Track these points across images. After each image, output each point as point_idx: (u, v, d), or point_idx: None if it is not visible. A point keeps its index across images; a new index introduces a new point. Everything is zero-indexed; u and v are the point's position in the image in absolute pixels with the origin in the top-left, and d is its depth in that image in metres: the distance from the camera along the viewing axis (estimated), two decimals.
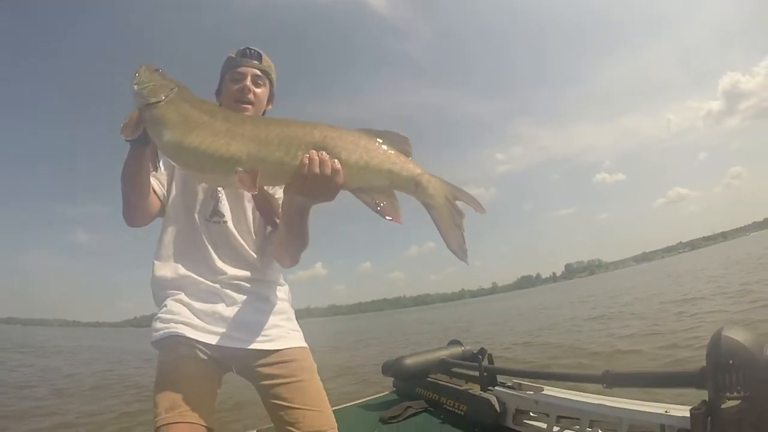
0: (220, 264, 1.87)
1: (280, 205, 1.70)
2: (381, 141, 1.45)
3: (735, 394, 1.42)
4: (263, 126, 1.48)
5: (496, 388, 2.64)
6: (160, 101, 1.49)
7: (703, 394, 1.51)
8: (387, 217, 1.41)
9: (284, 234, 1.70)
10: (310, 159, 1.38)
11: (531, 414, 2.43)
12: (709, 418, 1.47)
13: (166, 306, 1.82)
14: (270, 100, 2.10)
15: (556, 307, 25.12)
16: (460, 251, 1.45)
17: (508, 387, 2.62)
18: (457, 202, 1.44)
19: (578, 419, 2.09)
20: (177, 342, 1.74)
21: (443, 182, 1.44)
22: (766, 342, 1.44)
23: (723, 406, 1.45)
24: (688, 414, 1.55)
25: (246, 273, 1.89)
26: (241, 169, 1.41)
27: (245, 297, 1.86)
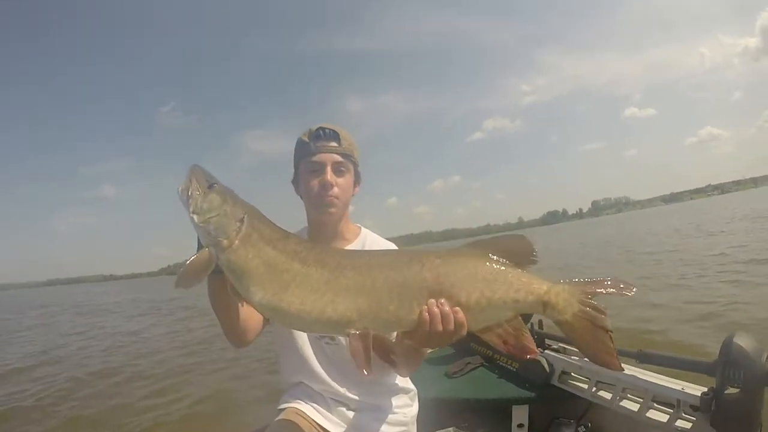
0: (334, 384, 1.85)
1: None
2: (498, 258, 1.32)
3: (736, 385, 1.95)
4: (366, 270, 1.34)
5: (545, 351, 3.07)
6: (233, 243, 1.34)
7: (712, 381, 2.04)
8: (521, 356, 1.31)
9: (399, 364, 1.57)
10: (431, 315, 1.26)
11: (573, 375, 2.91)
12: (714, 400, 1.98)
13: (297, 388, 1.92)
14: (356, 182, 1.95)
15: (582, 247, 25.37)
16: (610, 362, 1.28)
17: (554, 350, 3.05)
18: (596, 300, 1.28)
19: (613, 385, 2.56)
20: (298, 414, 1.84)
21: (573, 288, 1.28)
22: (764, 350, 1.94)
23: (726, 392, 1.98)
24: (698, 394, 2.08)
25: (361, 390, 1.87)
26: (353, 332, 1.28)
27: (360, 409, 1.86)
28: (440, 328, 1.24)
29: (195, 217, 1.35)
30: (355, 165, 1.92)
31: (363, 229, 2.05)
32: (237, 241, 1.33)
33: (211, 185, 1.40)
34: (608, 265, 15.34)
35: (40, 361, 10.66)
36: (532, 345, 1.29)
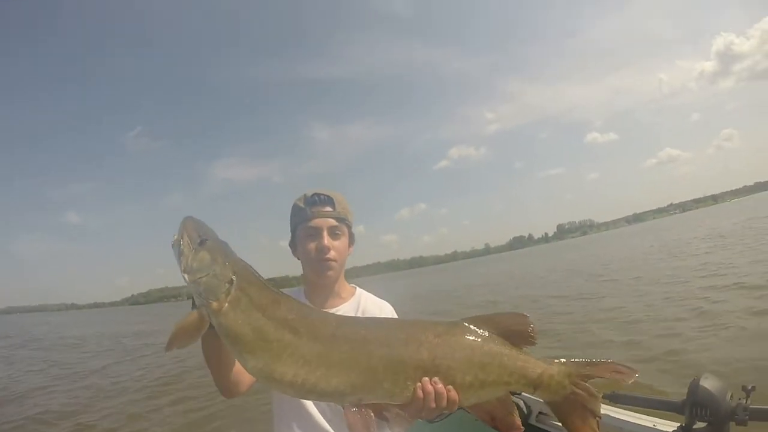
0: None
1: None
2: (495, 338, 1.34)
3: (703, 422, 2.09)
4: (361, 345, 1.33)
5: (522, 393, 3.20)
6: (223, 305, 1.33)
7: (681, 418, 2.18)
8: (507, 431, 1.33)
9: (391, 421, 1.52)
10: (425, 393, 1.28)
11: (550, 414, 3.02)
12: None
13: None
14: (351, 243, 2.04)
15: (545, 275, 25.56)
16: None
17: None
18: (589, 382, 1.32)
19: None
20: None
21: (567, 369, 1.32)
22: (728, 390, 2.08)
23: (694, 427, 2.11)
24: (670, 430, 2.22)
25: None
26: (348, 405, 1.30)
27: None
28: (433, 405, 1.27)
29: (186, 276, 1.36)
30: (349, 227, 2.00)
31: (358, 288, 2.11)
32: (226, 304, 1.33)
33: (202, 241, 1.40)
34: (572, 298, 15.21)
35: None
36: (518, 422, 1.33)
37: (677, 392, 2.32)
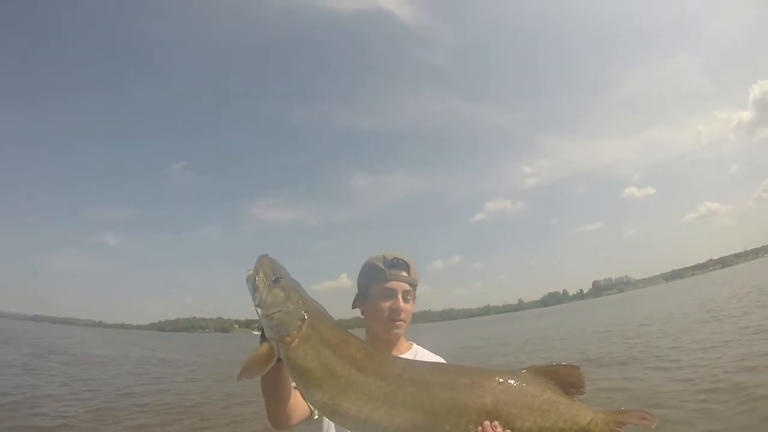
0: None
1: None
2: (553, 387, 1.44)
3: None
4: (425, 389, 1.40)
5: None
6: (294, 340, 1.42)
7: None
8: None
9: None
10: None
11: None
12: None
13: None
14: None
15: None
16: None
17: None
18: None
19: None
20: None
21: (608, 418, 1.43)
22: None
23: None
24: None
25: None
26: None
27: None
28: None
29: (259, 310, 1.46)
30: (415, 290, 2.12)
31: (415, 345, 2.24)
32: (297, 340, 1.43)
33: (277, 279, 1.50)
34: (601, 363, 14.37)
35: (15, 401, 10.59)
36: None
37: None
